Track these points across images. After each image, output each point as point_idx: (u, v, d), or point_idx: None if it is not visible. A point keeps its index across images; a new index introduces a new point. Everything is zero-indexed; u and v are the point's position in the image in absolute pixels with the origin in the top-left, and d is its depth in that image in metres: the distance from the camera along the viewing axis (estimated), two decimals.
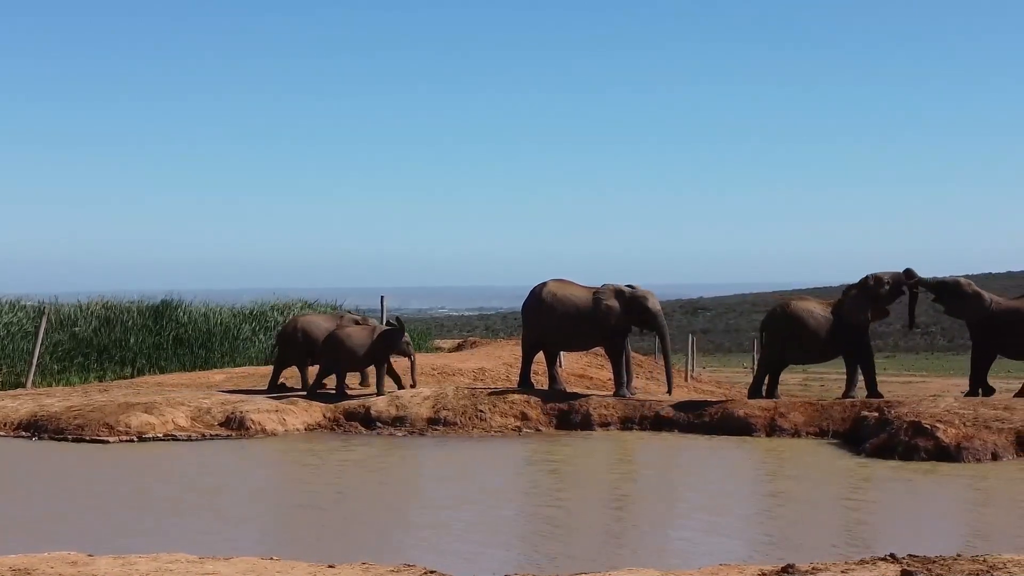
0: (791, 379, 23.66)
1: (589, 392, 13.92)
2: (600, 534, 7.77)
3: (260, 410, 12.37)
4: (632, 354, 14.67)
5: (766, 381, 13.55)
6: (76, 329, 17.89)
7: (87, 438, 11.58)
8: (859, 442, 11.30)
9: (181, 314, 19.15)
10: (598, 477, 10.21)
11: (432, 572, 5.70)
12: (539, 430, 12.65)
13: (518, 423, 12.72)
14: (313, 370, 14.25)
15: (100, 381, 16.40)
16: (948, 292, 13.17)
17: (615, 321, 13.32)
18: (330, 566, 5.73)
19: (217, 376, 15.74)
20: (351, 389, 13.58)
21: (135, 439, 11.61)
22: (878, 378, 13.47)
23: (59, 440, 11.65)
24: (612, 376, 14.05)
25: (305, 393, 13.48)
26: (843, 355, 13.28)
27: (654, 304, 13.50)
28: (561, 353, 15.04)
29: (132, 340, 17.92)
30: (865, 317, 13.08)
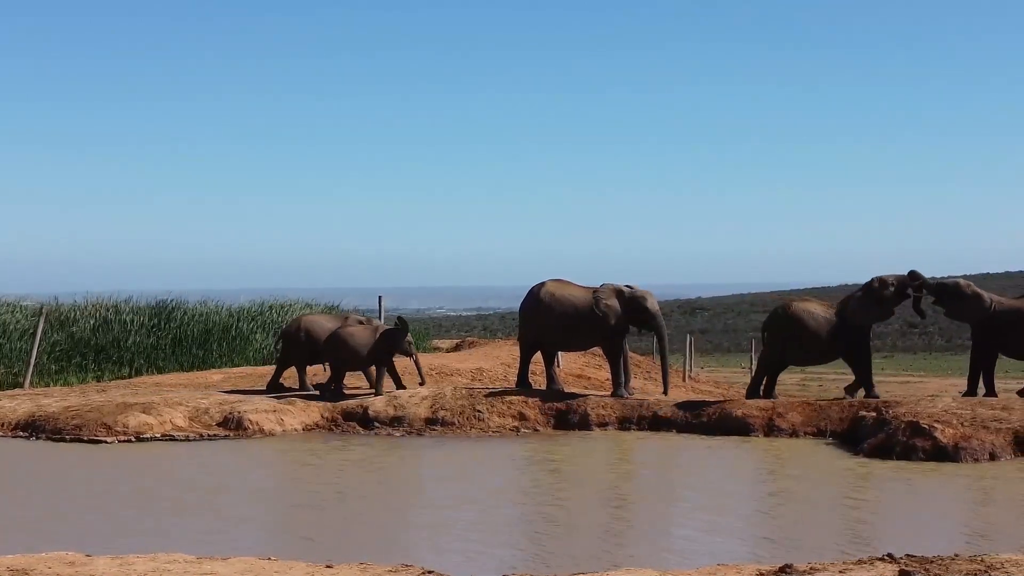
0: (789, 379, 23.68)
1: (587, 392, 13.92)
2: (599, 534, 7.76)
3: (258, 410, 12.36)
4: (630, 354, 14.67)
5: (764, 381, 13.56)
6: (74, 329, 17.87)
7: (85, 438, 11.57)
8: (857, 442, 11.30)
9: (179, 314, 19.13)
10: (597, 477, 10.21)
11: (430, 572, 5.70)
12: (537, 430, 12.65)
13: (516, 423, 12.72)
14: (312, 370, 14.27)
15: (98, 381, 16.38)
16: (948, 294, 13.17)
17: (614, 321, 13.32)
18: (328, 566, 5.73)
19: (215, 376, 15.73)
20: (351, 389, 13.57)
21: (133, 439, 11.60)
22: (876, 379, 13.46)
23: (57, 440, 11.63)
24: (610, 376, 14.05)
25: (304, 394, 13.48)
26: (844, 357, 13.30)
27: (653, 304, 13.51)
28: (559, 353, 15.04)
29: (130, 340, 17.89)
30: (869, 319, 13.10)
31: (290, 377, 14.20)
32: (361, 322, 13.92)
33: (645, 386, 16.53)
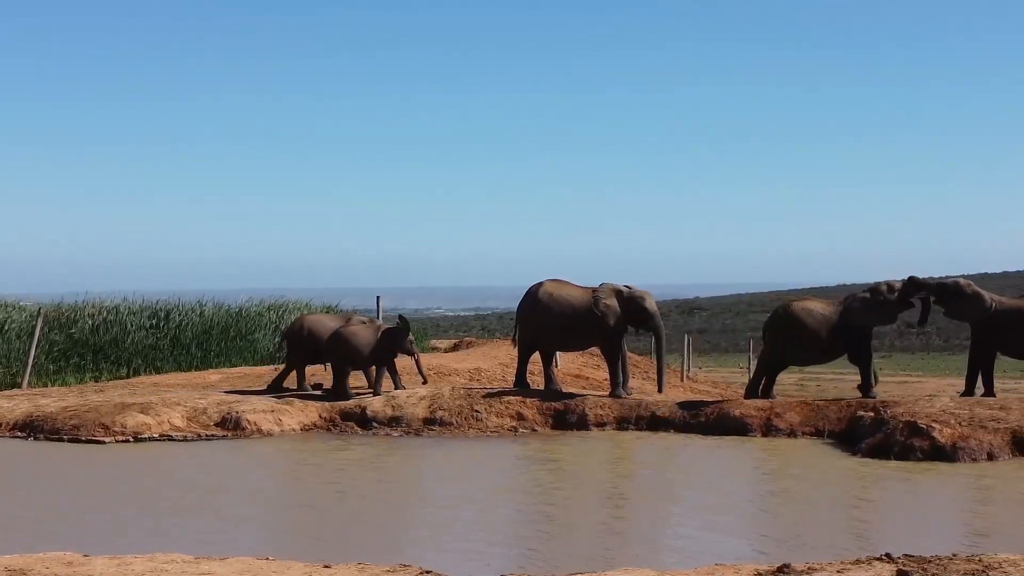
0: (787, 379, 23.68)
1: (585, 392, 13.92)
2: (598, 533, 7.76)
3: (256, 410, 12.35)
4: (628, 354, 14.67)
5: (763, 381, 13.57)
6: (72, 330, 17.86)
7: (83, 438, 11.56)
8: (855, 442, 11.31)
9: (177, 314, 19.13)
10: (595, 476, 10.21)
11: (428, 572, 5.70)
12: (535, 430, 12.65)
13: (514, 423, 12.72)
14: (311, 370, 14.25)
15: (96, 381, 16.38)
16: (948, 294, 13.17)
17: (613, 321, 13.32)
18: (326, 566, 5.72)
19: (213, 376, 15.73)
20: (351, 389, 13.55)
21: (131, 439, 11.59)
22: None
23: (55, 440, 11.63)
24: (608, 376, 14.05)
25: (302, 393, 13.47)
26: (848, 357, 13.31)
27: (651, 304, 13.51)
28: (557, 353, 15.04)
29: (128, 340, 17.89)
30: (869, 321, 13.10)
31: (289, 377, 14.18)
32: (363, 322, 13.92)
33: (643, 386, 16.52)
